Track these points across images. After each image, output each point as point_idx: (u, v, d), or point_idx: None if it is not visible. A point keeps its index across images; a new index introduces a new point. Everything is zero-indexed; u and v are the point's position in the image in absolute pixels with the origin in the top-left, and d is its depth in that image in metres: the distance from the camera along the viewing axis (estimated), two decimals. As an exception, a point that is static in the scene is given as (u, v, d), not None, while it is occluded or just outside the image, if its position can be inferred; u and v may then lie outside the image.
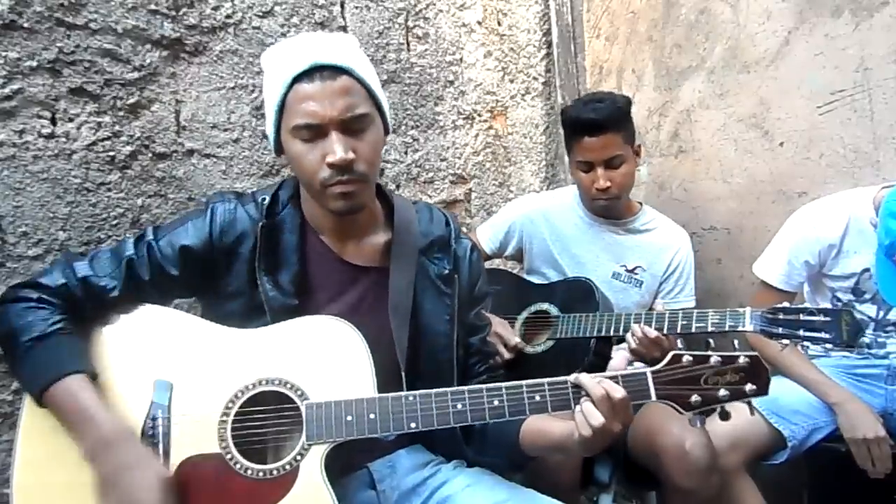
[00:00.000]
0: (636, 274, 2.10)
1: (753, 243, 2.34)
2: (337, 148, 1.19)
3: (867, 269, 1.81)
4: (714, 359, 1.18)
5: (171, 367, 1.19)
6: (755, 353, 1.20)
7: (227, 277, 1.28)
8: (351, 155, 1.20)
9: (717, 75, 2.49)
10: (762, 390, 1.19)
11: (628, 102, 2.04)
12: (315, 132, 1.21)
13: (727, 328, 1.59)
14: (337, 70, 1.21)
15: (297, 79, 1.21)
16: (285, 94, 1.22)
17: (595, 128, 1.95)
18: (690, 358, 1.19)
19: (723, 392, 1.17)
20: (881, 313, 1.88)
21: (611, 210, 2.10)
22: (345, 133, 1.21)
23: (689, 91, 2.59)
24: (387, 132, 1.34)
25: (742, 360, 1.19)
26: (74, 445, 1.12)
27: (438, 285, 1.38)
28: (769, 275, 1.97)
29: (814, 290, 2.02)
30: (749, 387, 1.18)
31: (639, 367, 1.90)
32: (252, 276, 1.27)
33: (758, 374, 1.19)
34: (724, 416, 1.21)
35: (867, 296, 1.87)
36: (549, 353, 1.92)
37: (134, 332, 1.22)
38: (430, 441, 1.39)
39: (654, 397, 1.18)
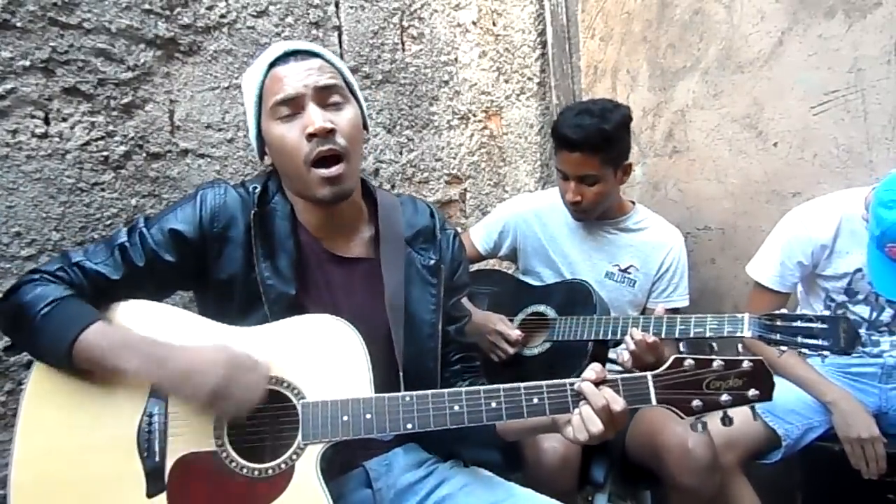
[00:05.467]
0: (629, 273, 2.11)
1: (747, 243, 2.35)
2: (315, 117, 1.22)
3: (860, 269, 1.82)
4: (717, 363, 1.16)
5: None
6: (759, 358, 1.17)
7: (220, 264, 1.27)
8: (329, 124, 1.22)
9: (711, 76, 2.50)
10: (766, 396, 1.16)
11: (622, 120, 1.96)
12: (293, 106, 1.24)
13: (725, 333, 1.59)
14: (310, 53, 1.29)
15: (273, 64, 1.27)
16: (263, 82, 1.27)
17: (570, 145, 1.94)
18: (693, 362, 1.16)
19: (725, 397, 1.15)
20: (874, 314, 1.89)
21: (585, 219, 2.10)
22: (321, 107, 1.24)
23: (683, 91, 2.60)
24: (365, 127, 1.37)
25: (746, 364, 1.16)
26: (73, 439, 1.13)
27: (425, 276, 1.39)
28: (762, 276, 1.98)
29: (807, 290, 2.02)
30: (752, 392, 1.15)
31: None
32: (247, 262, 1.27)
33: (761, 380, 1.16)
34: (727, 421, 1.19)
35: (860, 296, 1.88)
36: (545, 356, 1.92)
37: (130, 328, 1.21)
38: (426, 440, 1.39)
39: (654, 402, 1.16)
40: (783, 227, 1.96)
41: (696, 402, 1.16)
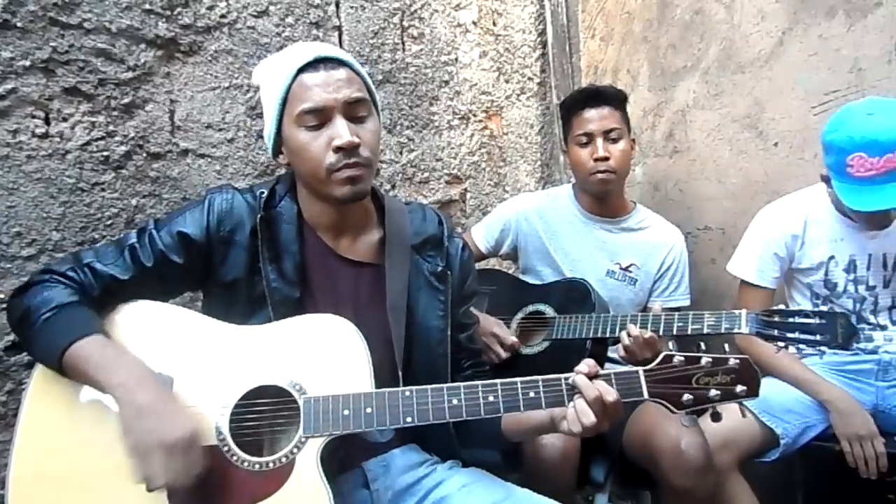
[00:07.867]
0: (630, 272, 2.11)
1: (748, 243, 2.34)
2: (343, 132, 1.24)
3: (832, 257, 1.91)
4: (705, 360, 1.21)
5: (171, 363, 1.20)
6: (745, 356, 1.22)
7: (225, 266, 1.29)
8: (356, 139, 1.24)
9: (711, 76, 2.50)
10: (753, 392, 1.21)
11: (625, 95, 2.18)
12: (321, 117, 1.25)
13: (723, 330, 1.60)
14: (339, 62, 1.29)
15: (302, 70, 1.27)
16: (289, 86, 1.27)
17: (596, 98, 2.08)
18: (682, 358, 1.22)
19: (713, 392, 1.20)
20: (857, 305, 1.93)
21: (608, 191, 2.10)
22: (349, 119, 1.26)
23: (683, 91, 2.60)
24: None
25: (732, 361, 1.21)
26: (74, 436, 1.14)
27: (432, 282, 1.41)
28: (743, 271, 2.03)
29: (791, 288, 2.07)
30: (740, 388, 1.20)
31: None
32: (252, 266, 1.29)
33: (748, 376, 1.21)
34: (716, 417, 1.24)
35: (839, 289, 1.93)
36: (544, 354, 1.92)
37: (134, 328, 1.23)
38: (425, 441, 1.40)
39: (646, 395, 1.20)
40: (756, 224, 2.05)
41: (686, 397, 1.20)
